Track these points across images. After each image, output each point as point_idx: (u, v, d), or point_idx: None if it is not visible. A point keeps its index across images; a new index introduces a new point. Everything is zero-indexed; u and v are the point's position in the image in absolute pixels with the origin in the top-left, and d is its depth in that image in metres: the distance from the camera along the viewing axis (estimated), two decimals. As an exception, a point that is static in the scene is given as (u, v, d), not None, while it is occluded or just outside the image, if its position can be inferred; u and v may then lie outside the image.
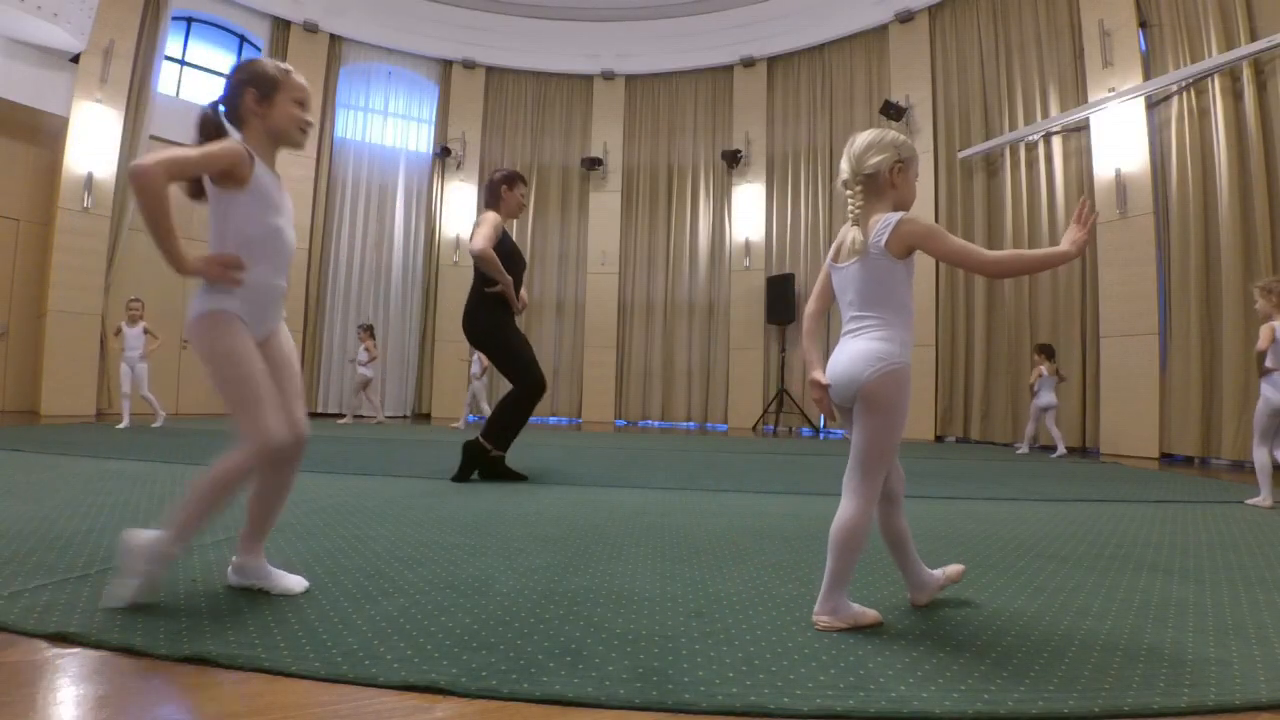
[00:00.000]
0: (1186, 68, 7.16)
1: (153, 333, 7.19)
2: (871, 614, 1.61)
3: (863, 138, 1.70)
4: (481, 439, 3.85)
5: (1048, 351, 7.35)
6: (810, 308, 1.80)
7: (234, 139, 1.66)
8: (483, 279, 3.85)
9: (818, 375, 1.69)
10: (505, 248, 3.89)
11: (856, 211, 1.66)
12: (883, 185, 1.67)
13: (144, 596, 1.54)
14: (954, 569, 1.84)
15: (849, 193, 1.68)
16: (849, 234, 1.67)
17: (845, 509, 1.62)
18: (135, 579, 1.53)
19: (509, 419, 3.86)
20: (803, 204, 11.44)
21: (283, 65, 1.75)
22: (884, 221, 1.62)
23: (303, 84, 1.76)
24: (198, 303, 1.63)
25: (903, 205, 1.70)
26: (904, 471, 1.76)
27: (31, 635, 1.37)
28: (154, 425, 7.13)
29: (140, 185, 1.48)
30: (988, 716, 1.15)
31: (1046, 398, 7.25)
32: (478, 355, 8.63)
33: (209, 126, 1.69)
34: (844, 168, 1.71)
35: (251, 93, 1.69)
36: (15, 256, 8.92)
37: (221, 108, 1.73)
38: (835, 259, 1.73)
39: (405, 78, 12.36)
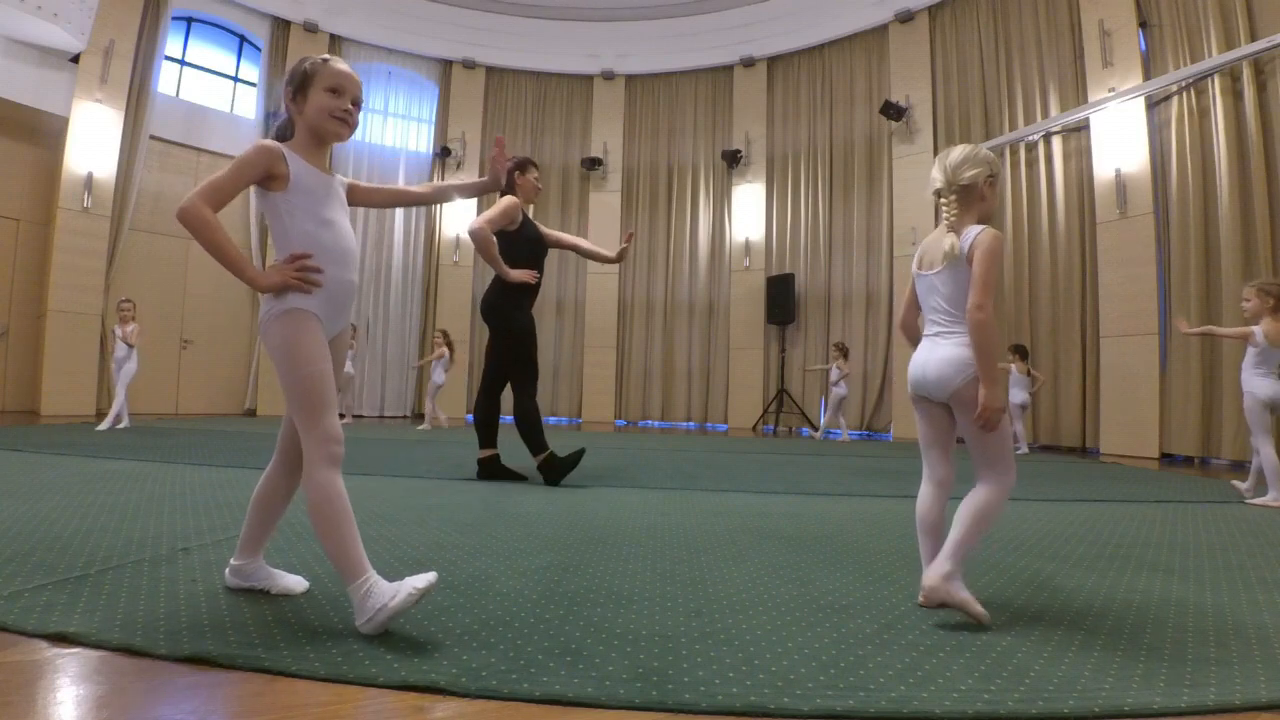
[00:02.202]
0: (1186, 68, 7.16)
1: (126, 339, 6.83)
2: (978, 609, 1.61)
3: (957, 152, 1.81)
4: (540, 456, 3.87)
5: (1021, 351, 7.67)
6: (903, 318, 1.94)
7: (265, 140, 1.63)
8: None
9: None
10: (529, 233, 3.97)
11: (951, 219, 1.78)
12: (974, 197, 1.79)
13: (392, 620, 1.45)
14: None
15: (943, 201, 1.80)
16: (945, 240, 1.75)
17: (985, 489, 1.72)
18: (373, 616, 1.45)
19: (534, 421, 3.92)
20: (803, 204, 11.43)
21: (322, 57, 1.67)
22: (968, 234, 1.74)
23: (339, 70, 1.65)
24: (275, 301, 1.58)
25: (987, 214, 1.82)
26: (938, 470, 1.83)
27: (31, 635, 1.37)
28: (100, 427, 6.62)
29: (186, 224, 1.49)
30: (988, 716, 1.15)
31: (1019, 395, 7.51)
32: (445, 358, 9.12)
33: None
34: (937, 177, 1.81)
35: (288, 91, 1.67)
36: (15, 256, 8.92)
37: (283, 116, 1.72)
38: (919, 267, 1.85)
39: (405, 78, 12.35)
